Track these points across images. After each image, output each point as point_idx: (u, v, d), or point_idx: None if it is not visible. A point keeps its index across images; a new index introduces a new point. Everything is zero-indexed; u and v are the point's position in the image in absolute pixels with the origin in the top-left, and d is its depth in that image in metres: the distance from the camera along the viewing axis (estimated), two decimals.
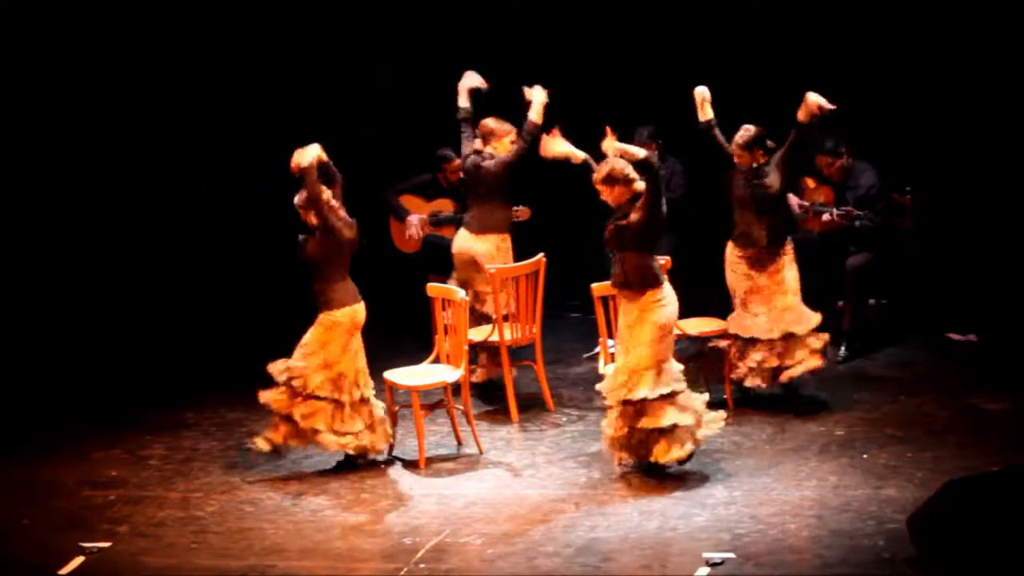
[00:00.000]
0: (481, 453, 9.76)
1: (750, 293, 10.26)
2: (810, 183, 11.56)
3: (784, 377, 10.22)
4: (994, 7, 11.84)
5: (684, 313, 10.62)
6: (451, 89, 10.96)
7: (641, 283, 9.06)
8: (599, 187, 9.19)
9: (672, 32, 12.67)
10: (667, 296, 9.13)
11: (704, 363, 10.56)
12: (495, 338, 10.40)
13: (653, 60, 12.68)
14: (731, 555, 8.00)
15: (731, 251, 10.34)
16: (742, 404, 10.31)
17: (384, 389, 9.80)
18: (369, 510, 8.91)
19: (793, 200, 11.51)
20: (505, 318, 10.48)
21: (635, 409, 9.05)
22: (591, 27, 12.84)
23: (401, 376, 9.79)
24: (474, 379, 10.69)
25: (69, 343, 12.15)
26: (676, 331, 10.18)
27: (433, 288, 10.03)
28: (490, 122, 10.80)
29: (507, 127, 10.77)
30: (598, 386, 9.27)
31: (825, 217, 11.29)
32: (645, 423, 9.05)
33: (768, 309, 10.18)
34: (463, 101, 10.90)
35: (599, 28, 12.83)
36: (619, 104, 12.61)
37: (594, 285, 9.84)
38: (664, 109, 12.32)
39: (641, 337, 9.06)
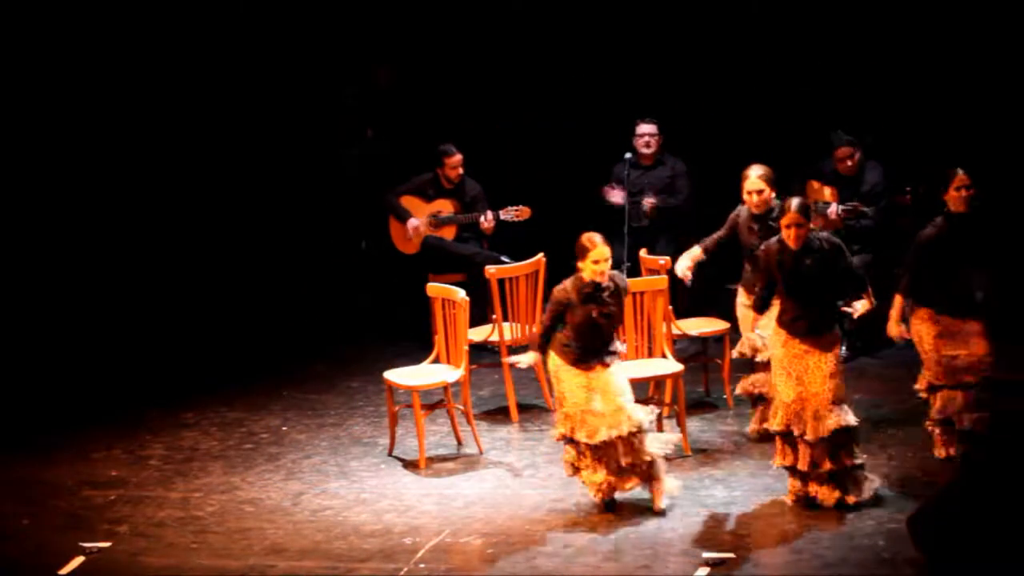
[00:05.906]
0: (481, 453, 9.76)
1: None
2: (815, 184, 11.54)
3: None
4: (994, 7, 11.85)
5: (686, 313, 10.65)
6: (451, 89, 10.93)
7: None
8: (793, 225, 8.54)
9: (673, 30, 12.66)
10: None
11: (704, 363, 10.58)
12: (495, 338, 10.41)
13: (654, 59, 12.67)
14: (731, 555, 8.00)
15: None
16: (742, 404, 10.30)
17: (384, 389, 9.81)
18: (369, 510, 8.90)
19: None
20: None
21: None
22: (591, 26, 12.83)
23: (401, 376, 9.78)
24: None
25: (69, 343, 12.14)
26: (676, 331, 10.19)
27: (433, 288, 10.02)
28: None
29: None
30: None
31: (831, 212, 11.21)
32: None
33: None
34: None
35: (599, 27, 12.83)
36: (620, 102, 12.63)
37: None
38: (665, 107, 12.33)
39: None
